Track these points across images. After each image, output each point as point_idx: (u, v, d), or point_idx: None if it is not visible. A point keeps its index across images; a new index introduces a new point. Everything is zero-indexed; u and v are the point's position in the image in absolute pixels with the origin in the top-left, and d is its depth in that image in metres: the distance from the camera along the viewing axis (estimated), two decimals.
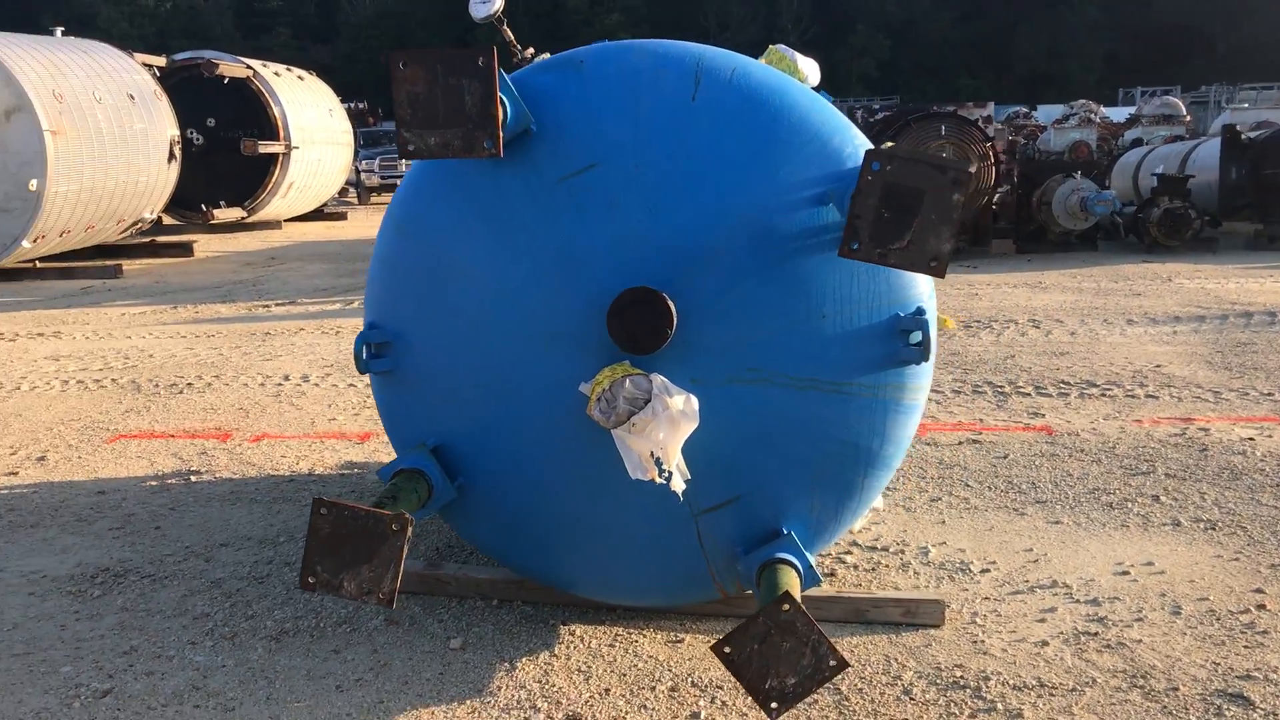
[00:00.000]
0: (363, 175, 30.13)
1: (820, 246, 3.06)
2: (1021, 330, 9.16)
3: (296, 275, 14.48)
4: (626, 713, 3.19)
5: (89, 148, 14.01)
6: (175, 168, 16.64)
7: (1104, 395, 6.83)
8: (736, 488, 3.17)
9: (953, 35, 68.56)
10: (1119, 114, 35.86)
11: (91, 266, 15.08)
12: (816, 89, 3.89)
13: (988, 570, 4.17)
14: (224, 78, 19.15)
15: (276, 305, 11.72)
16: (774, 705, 2.72)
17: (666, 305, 2.93)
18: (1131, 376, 7.31)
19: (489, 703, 3.26)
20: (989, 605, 3.86)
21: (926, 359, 3.16)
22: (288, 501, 5.15)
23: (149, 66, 17.24)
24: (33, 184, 13.09)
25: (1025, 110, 38.17)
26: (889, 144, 4.25)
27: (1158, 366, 7.60)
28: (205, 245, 18.28)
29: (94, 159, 14.14)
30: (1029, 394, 6.92)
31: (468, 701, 3.27)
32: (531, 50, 4.30)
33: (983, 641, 3.58)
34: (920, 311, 3.17)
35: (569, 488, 3.23)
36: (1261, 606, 3.79)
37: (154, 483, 5.51)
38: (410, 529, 2.80)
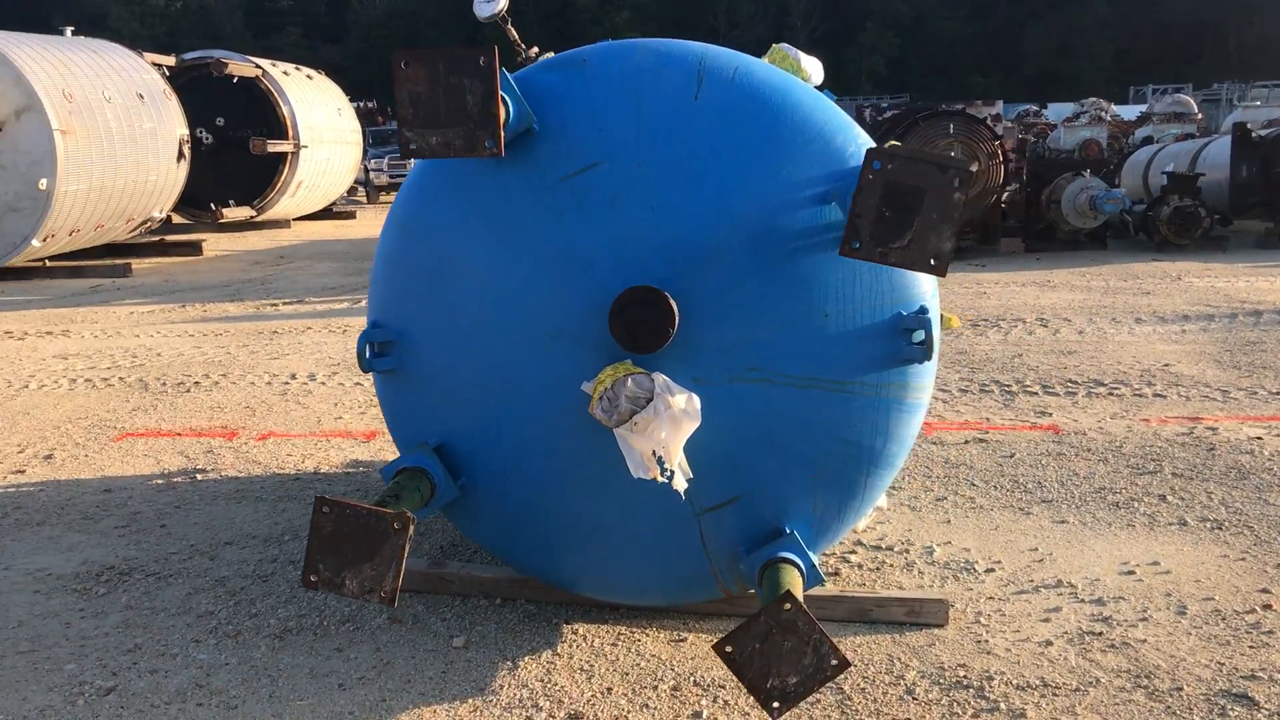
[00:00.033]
0: (371, 174, 30.21)
1: (822, 245, 3.05)
2: (1029, 329, 9.12)
3: (305, 274, 14.51)
4: (629, 712, 3.19)
5: (98, 147, 14.07)
6: (184, 167, 16.71)
7: (1111, 394, 6.80)
8: (738, 487, 3.16)
9: (962, 33, 68.46)
10: (1130, 112, 35.75)
11: (101, 265, 15.14)
12: (820, 88, 3.89)
13: (992, 570, 4.16)
14: (233, 77, 19.19)
15: (284, 304, 11.74)
16: (776, 705, 2.72)
17: (668, 304, 2.93)
18: (1139, 375, 7.28)
19: (491, 701, 3.26)
20: (993, 605, 3.85)
21: (929, 358, 3.15)
22: (293, 500, 5.16)
23: (158, 66, 17.33)
24: (42, 183, 13.16)
25: (1035, 108, 38.03)
26: (893, 142, 4.23)
27: (1166, 365, 7.57)
28: (214, 244, 18.33)
29: (103, 158, 14.20)
30: (1036, 393, 6.89)
31: (470, 700, 3.27)
32: (536, 49, 4.30)
33: (986, 641, 3.57)
34: (923, 310, 3.17)
35: (571, 487, 3.24)
36: (1267, 606, 3.77)
37: (160, 481, 5.53)
38: (412, 528, 2.81)
